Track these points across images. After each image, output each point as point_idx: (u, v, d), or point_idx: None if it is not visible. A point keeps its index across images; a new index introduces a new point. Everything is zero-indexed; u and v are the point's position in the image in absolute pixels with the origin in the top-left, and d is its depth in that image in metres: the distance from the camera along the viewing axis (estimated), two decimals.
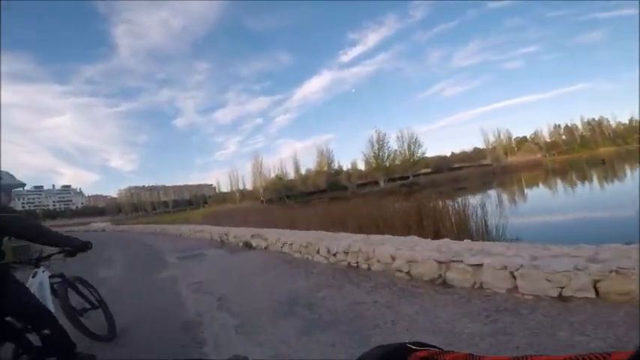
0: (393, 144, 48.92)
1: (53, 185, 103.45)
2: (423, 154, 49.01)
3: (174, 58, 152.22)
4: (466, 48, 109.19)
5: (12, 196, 2.24)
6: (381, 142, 48.18)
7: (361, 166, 60.99)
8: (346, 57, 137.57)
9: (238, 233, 8.12)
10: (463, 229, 5.52)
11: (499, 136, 69.47)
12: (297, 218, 8.88)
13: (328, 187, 54.10)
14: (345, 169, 63.79)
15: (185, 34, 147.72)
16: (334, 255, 4.60)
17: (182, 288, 4.52)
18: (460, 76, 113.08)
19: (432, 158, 58.50)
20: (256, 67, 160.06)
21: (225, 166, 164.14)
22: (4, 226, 1.92)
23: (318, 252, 4.96)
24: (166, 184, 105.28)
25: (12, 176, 2.26)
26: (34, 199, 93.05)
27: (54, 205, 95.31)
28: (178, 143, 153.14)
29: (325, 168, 59.01)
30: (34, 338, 2.00)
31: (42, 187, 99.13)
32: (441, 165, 56.53)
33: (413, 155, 47.78)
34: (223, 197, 77.35)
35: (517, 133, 77.70)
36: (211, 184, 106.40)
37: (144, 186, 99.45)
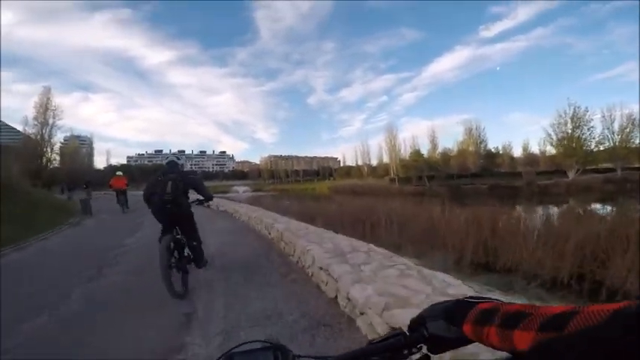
0: (597, 124, 32.67)
1: (213, 151, 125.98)
2: None
3: (305, 38, 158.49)
4: None
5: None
6: (578, 120, 32.13)
7: (517, 153, 49.51)
8: (488, 32, 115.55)
9: None
10: None
11: None
12: None
13: (479, 171, 43.08)
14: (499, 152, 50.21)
15: (312, 14, 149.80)
16: None
17: None
18: None
19: None
20: (381, 44, 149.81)
21: (349, 142, 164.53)
22: (193, 183, 3.67)
23: None
24: (299, 155, 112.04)
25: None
26: (199, 161, 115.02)
27: (213, 168, 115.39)
28: (310, 119, 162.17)
29: (471, 148, 47.27)
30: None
31: (205, 152, 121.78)
32: None
33: (628, 141, 31.44)
34: (348, 170, 74.82)
35: None
36: (336, 158, 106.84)
37: (281, 155, 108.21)
